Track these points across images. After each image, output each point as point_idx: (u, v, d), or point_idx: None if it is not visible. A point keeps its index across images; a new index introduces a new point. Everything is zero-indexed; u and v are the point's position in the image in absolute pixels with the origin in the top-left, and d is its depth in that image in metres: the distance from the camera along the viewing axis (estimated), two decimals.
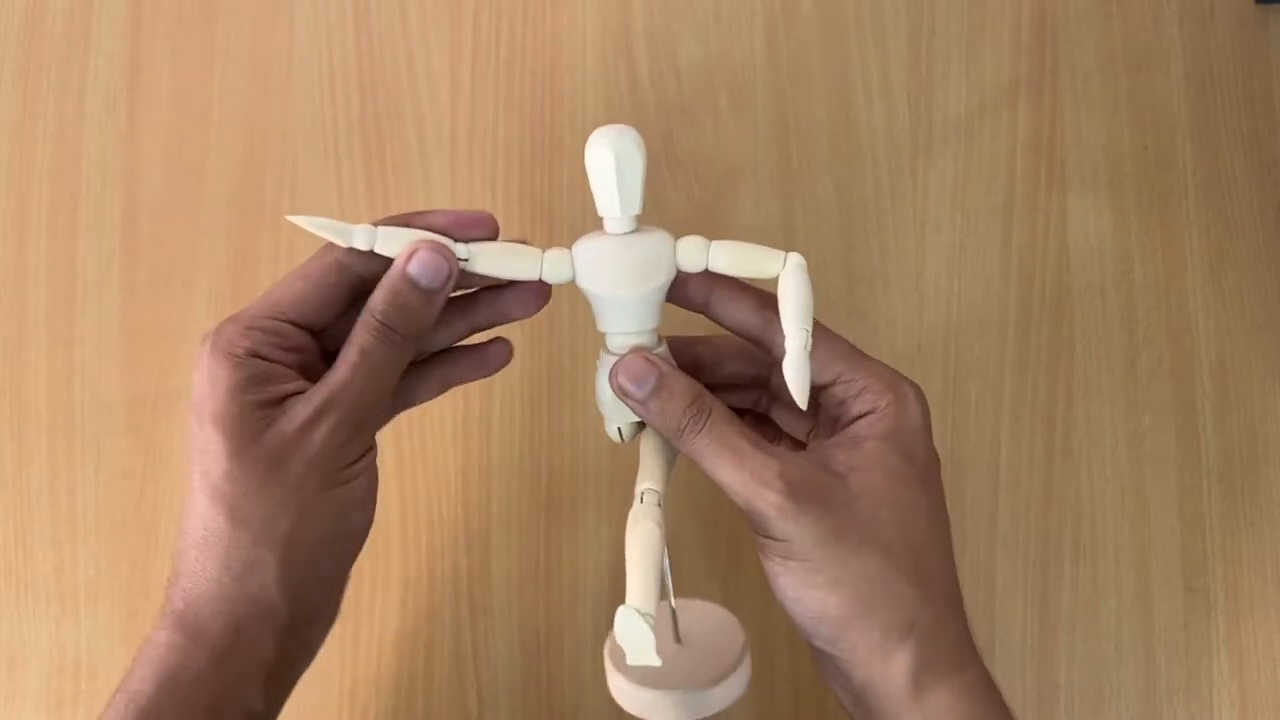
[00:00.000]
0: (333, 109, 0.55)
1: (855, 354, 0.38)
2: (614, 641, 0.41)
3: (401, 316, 0.36)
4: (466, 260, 0.37)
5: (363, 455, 0.37)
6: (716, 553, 0.52)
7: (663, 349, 0.39)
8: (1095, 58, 0.55)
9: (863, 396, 0.37)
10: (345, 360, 0.36)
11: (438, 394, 0.41)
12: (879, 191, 0.55)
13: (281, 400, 0.35)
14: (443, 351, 0.40)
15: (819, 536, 0.34)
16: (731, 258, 0.37)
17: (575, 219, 0.54)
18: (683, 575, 0.53)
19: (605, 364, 0.38)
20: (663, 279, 0.37)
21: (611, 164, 0.36)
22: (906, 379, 0.37)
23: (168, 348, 0.54)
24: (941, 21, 0.56)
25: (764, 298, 0.38)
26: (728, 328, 0.39)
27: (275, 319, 0.36)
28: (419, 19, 0.56)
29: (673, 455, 0.39)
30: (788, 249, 0.53)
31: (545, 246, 0.38)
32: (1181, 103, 0.55)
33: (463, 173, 0.55)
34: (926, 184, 0.55)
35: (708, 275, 0.38)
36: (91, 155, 0.56)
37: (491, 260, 0.37)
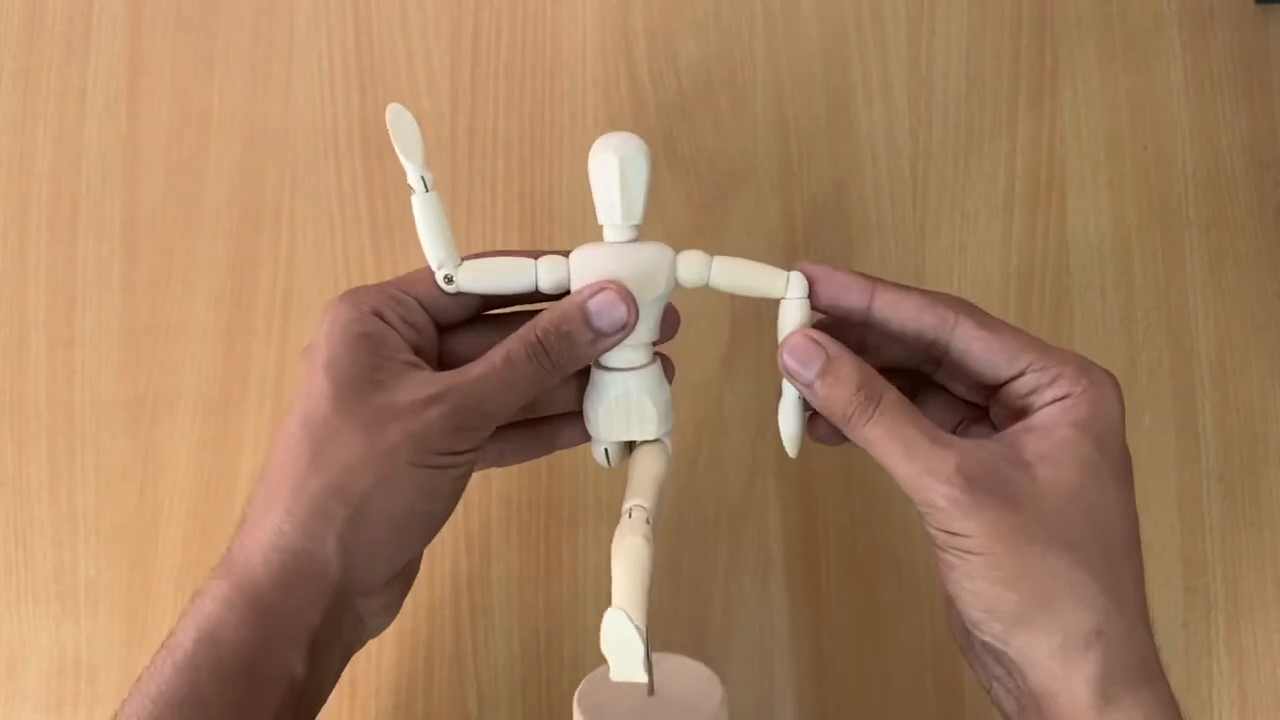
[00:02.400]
0: (333, 109, 0.55)
1: (1045, 344, 0.35)
2: (582, 688, 0.40)
3: (561, 344, 0.35)
4: (452, 279, 0.36)
5: (465, 451, 0.35)
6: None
7: (655, 366, 0.38)
8: (1095, 58, 0.55)
9: (1057, 383, 0.34)
10: (487, 360, 0.35)
11: (538, 454, 0.41)
12: (879, 191, 0.55)
13: (392, 367, 0.35)
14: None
15: (1000, 532, 0.32)
16: (733, 276, 0.37)
17: (575, 219, 0.54)
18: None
19: (596, 382, 0.38)
20: (661, 290, 0.37)
21: (616, 171, 0.35)
22: (1103, 368, 0.35)
23: (168, 348, 0.54)
24: (941, 21, 0.56)
25: (928, 297, 0.36)
26: (895, 335, 0.36)
27: (407, 293, 0.36)
28: (419, 19, 0.56)
29: (664, 479, 0.38)
30: (788, 249, 0.53)
31: (539, 252, 0.38)
32: (1181, 103, 0.55)
33: (463, 173, 0.55)
34: (926, 184, 0.55)
35: (867, 282, 0.36)
36: (91, 155, 0.56)
37: (482, 275, 0.36)
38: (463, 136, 0.55)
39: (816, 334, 0.35)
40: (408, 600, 0.52)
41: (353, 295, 0.36)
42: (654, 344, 0.38)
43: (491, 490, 0.53)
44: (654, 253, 0.37)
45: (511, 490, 0.53)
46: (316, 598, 0.34)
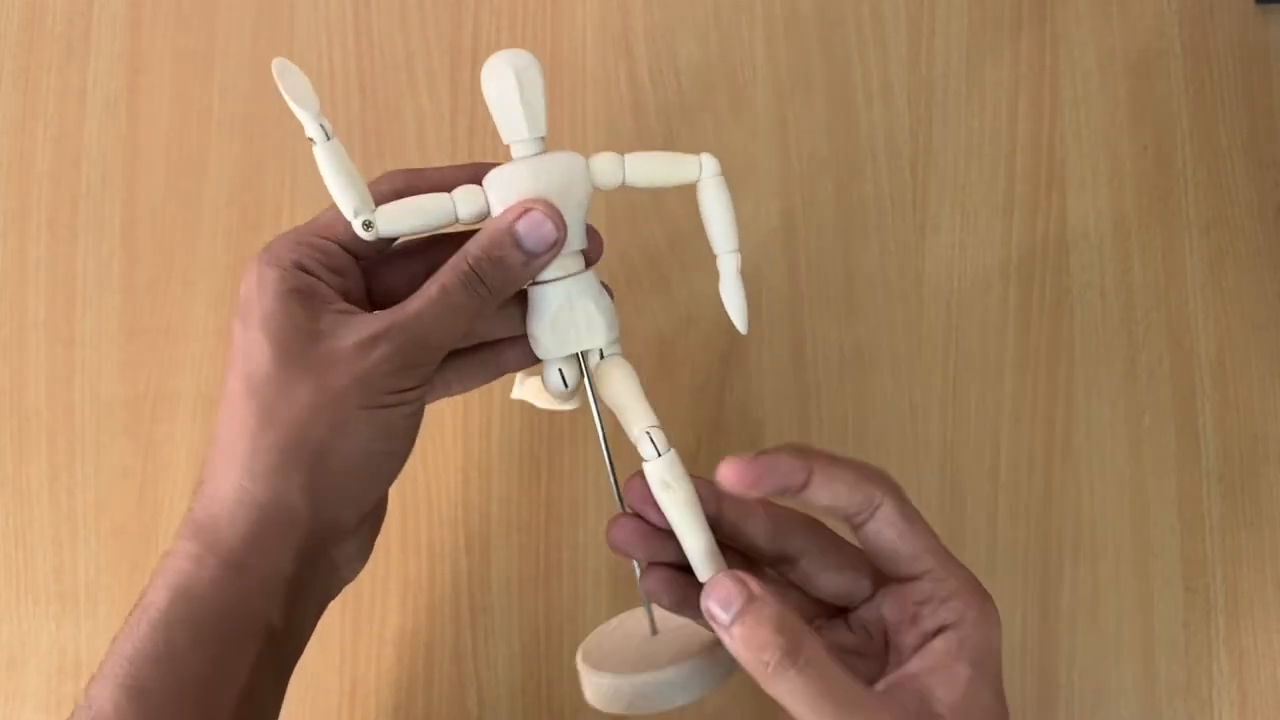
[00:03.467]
0: (333, 109, 0.55)
1: (947, 553, 0.35)
2: (586, 644, 0.40)
3: (495, 270, 0.35)
4: (371, 225, 0.35)
5: (413, 387, 0.35)
6: None
7: (590, 272, 0.37)
8: (1095, 58, 0.55)
9: (950, 603, 0.34)
10: (422, 294, 0.35)
11: (485, 380, 0.40)
12: (879, 191, 0.55)
13: (328, 317, 0.34)
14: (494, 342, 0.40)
15: None
16: (649, 169, 0.37)
17: None
18: None
19: (536, 301, 0.37)
20: (580, 197, 0.37)
21: (514, 83, 0.35)
22: (987, 593, 0.35)
23: (168, 348, 0.54)
24: (941, 21, 0.56)
25: (859, 475, 0.35)
26: (826, 507, 0.35)
27: (324, 238, 0.36)
28: (419, 19, 0.56)
29: (644, 391, 0.37)
30: (788, 249, 0.54)
31: (452, 180, 0.37)
32: (1181, 103, 0.55)
33: None
34: (926, 184, 0.55)
35: (802, 462, 0.34)
36: (91, 155, 0.56)
37: (401, 217, 0.36)
38: (463, 136, 0.55)
39: (743, 575, 0.33)
40: (408, 600, 0.52)
41: (272, 253, 0.35)
42: (579, 251, 0.38)
43: (491, 490, 0.53)
44: (566, 161, 0.37)
45: (511, 490, 0.53)
46: (287, 548, 0.34)
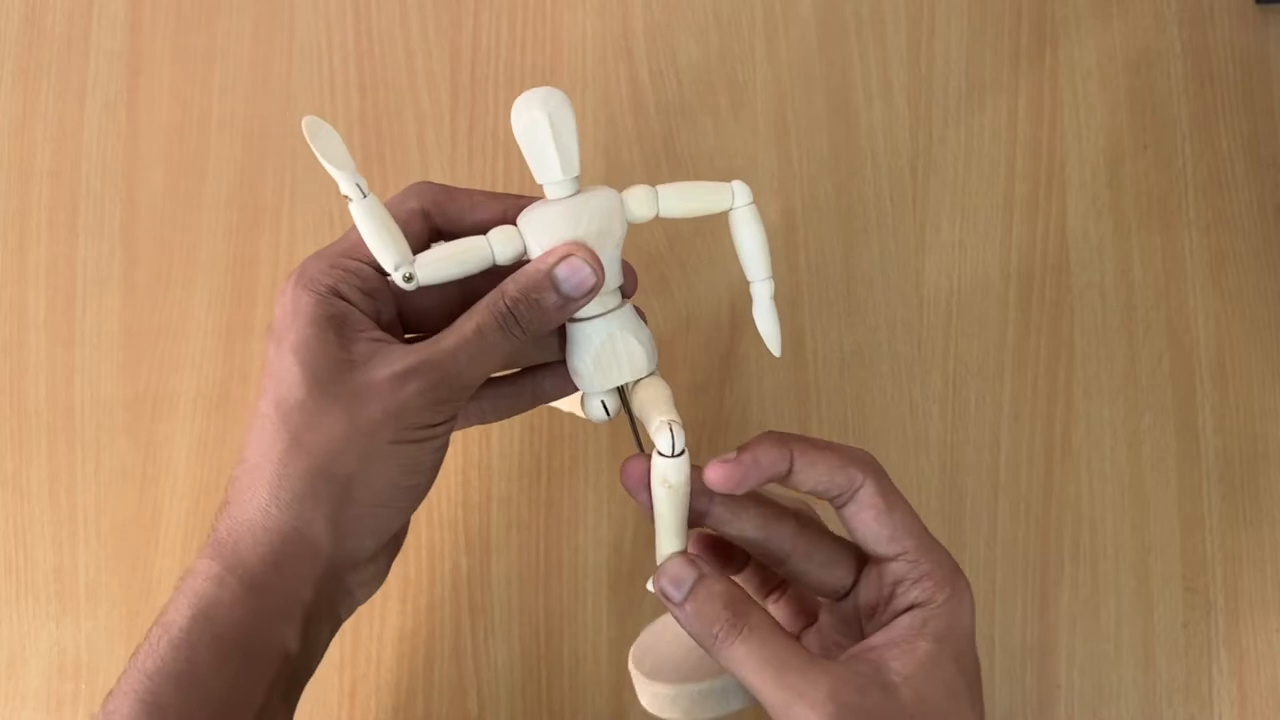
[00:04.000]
0: (333, 109, 0.55)
1: (926, 535, 0.36)
2: (639, 650, 0.40)
3: (531, 312, 0.35)
4: (411, 278, 0.35)
5: (443, 422, 0.35)
6: None
7: (628, 305, 0.38)
8: (1095, 58, 0.55)
9: (922, 583, 0.35)
10: (457, 331, 0.35)
11: (521, 409, 0.41)
12: (879, 191, 0.55)
13: (361, 346, 0.35)
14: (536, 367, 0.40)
15: None
16: (682, 200, 0.37)
17: None
18: None
19: (577, 336, 0.37)
20: (618, 235, 0.37)
21: (546, 125, 0.35)
22: (965, 578, 0.35)
23: (168, 348, 0.54)
24: (941, 21, 0.56)
25: (840, 459, 0.36)
26: (809, 491, 0.36)
27: (356, 259, 0.36)
28: (419, 19, 0.56)
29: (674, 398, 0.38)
30: (788, 249, 0.54)
31: (488, 219, 0.37)
32: (1181, 103, 0.55)
33: (462, 173, 0.55)
34: (926, 184, 0.55)
35: (782, 450, 0.35)
36: (91, 155, 0.56)
37: (441, 266, 0.36)
38: (463, 137, 0.55)
39: (693, 556, 0.35)
40: (408, 600, 0.52)
41: (307, 277, 0.35)
42: (617, 289, 0.38)
43: (491, 490, 0.53)
44: (603, 201, 0.36)
45: (511, 490, 0.53)
46: (308, 576, 0.35)
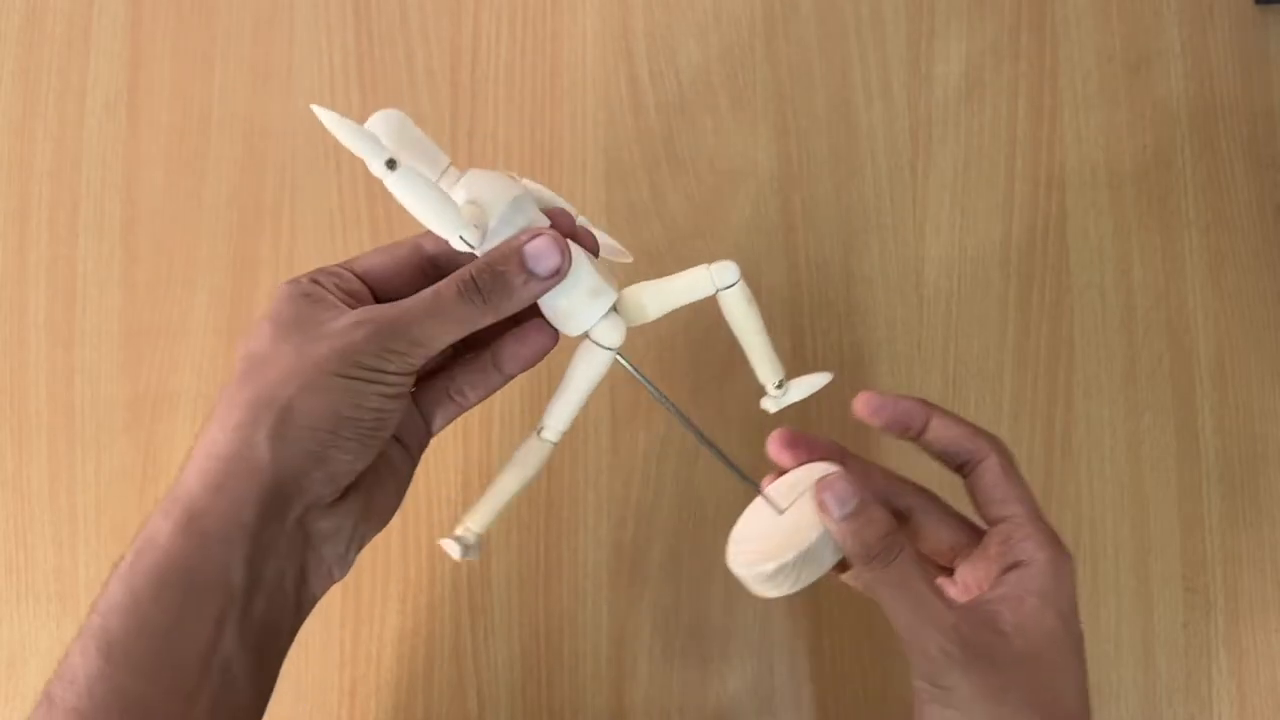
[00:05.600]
0: (332, 109, 0.55)
1: (1036, 507, 0.39)
2: (737, 550, 0.41)
3: (494, 283, 0.36)
4: (466, 239, 0.36)
5: (393, 371, 0.36)
6: None
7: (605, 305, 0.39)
8: (1095, 58, 0.55)
9: (1024, 544, 0.38)
10: (418, 295, 0.37)
11: (492, 385, 0.41)
12: (879, 191, 0.55)
13: (330, 313, 0.36)
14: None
15: (982, 691, 0.35)
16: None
17: None
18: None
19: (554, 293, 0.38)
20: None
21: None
22: (1065, 547, 0.38)
23: (168, 348, 0.54)
24: (941, 21, 0.56)
25: (971, 429, 0.40)
26: (935, 453, 0.40)
27: (344, 267, 0.38)
28: (419, 19, 0.56)
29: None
30: (788, 249, 0.53)
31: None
32: (1181, 103, 0.55)
33: None
34: (926, 184, 0.55)
35: (924, 409, 0.40)
36: (91, 155, 0.56)
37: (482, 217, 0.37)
38: (463, 137, 0.55)
39: (851, 478, 0.38)
40: (407, 599, 0.52)
41: (293, 278, 0.38)
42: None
43: None
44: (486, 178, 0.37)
45: None
46: (248, 494, 0.35)
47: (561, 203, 0.40)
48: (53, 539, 0.53)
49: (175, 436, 0.53)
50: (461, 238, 0.35)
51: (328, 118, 0.34)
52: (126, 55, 0.56)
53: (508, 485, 0.40)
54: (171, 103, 0.56)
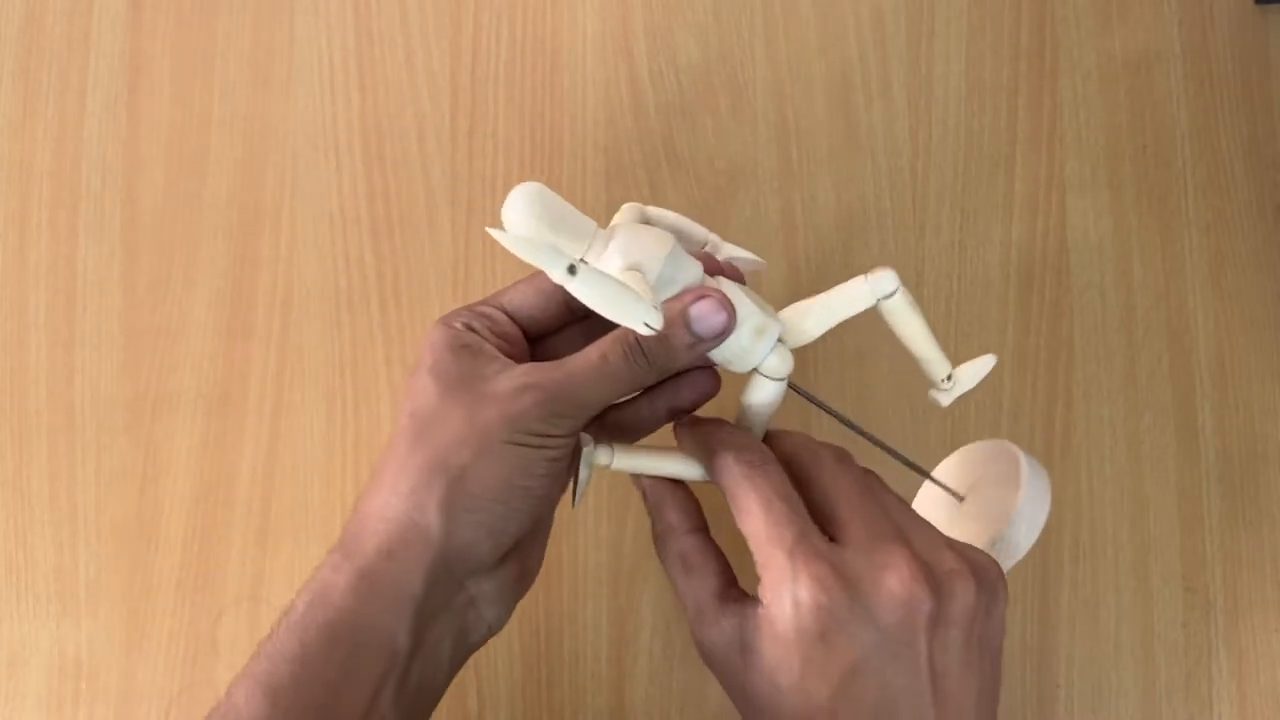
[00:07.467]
0: (333, 109, 0.55)
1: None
2: None
3: (658, 348, 0.36)
4: (651, 326, 0.34)
5: (559, 434, 0.36)
6: None
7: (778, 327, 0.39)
8: (1095, 58, 0.55)
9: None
10: (584, 355, 0.37)
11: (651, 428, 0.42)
12: (879, 191, 0.55)
13: (491, 367, 0.37)
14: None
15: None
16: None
17: None
18: None
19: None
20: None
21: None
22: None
23: (168, 348, 0.54)
24: (941, 21, 0.56)
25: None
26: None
27: (494, 308, 0.39)
28: (419, 19, 0.56)
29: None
30: (788, 249, 0.53)
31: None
32: (1181, 103, 0.55)
33: (463, 173, 0.55)
34: (926, 184, 0.55)
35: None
36: (91, 155, 0.56)
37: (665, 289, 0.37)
38: (463, 137, 0.55)
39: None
40: None
41: (445, 318, 0.38)
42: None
43: None
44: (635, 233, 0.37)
45: None
46: (418, 564, 0.36)
47: (694, 228, 0.40)
48: (53, 539, 0.53)
49: (175, 436, 0.53)
50: (646, 324, 0.33)
51: (506, 240, 0.33)
52: (126, 55, 0.56)
53: (671, 466, 0.39)
54: (171, 103, 0.56)
